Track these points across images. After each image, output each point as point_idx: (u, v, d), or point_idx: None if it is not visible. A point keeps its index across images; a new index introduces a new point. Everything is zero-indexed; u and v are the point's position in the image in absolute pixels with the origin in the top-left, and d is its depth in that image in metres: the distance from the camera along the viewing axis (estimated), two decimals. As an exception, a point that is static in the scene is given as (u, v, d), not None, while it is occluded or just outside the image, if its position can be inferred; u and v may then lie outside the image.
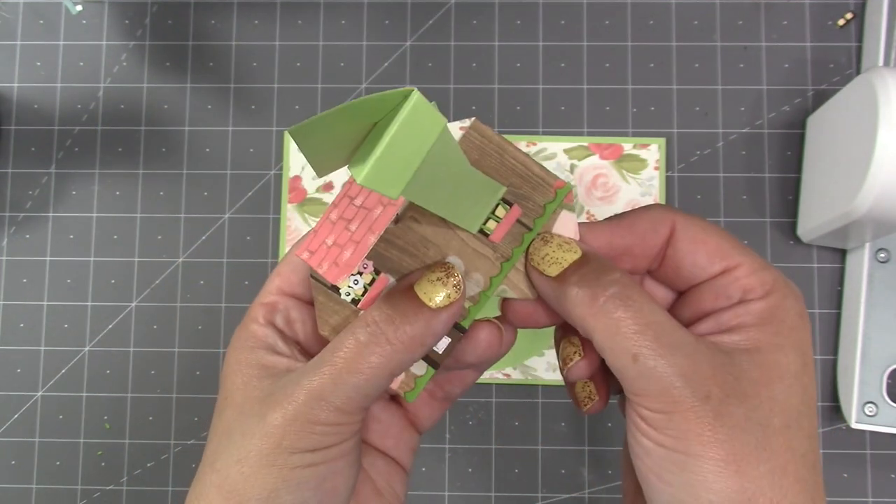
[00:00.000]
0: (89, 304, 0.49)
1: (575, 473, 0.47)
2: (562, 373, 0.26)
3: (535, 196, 0.25)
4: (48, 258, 0.50)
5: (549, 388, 0.48)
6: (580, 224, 0.26)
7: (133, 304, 0.49)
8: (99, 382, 0.49)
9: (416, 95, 0.20)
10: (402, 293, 0.24)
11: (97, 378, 0.49)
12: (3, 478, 0.48)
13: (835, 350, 0.48)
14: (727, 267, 0.24)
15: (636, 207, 0.26)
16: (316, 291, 0.26)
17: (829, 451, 0.47)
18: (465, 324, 0.26)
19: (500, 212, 0.25)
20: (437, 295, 0.24)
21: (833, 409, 0.47)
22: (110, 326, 0.49)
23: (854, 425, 0.44)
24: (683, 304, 0.26)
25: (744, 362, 0.22)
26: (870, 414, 0.44)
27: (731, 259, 0.24)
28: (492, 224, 0.25)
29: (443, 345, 0.26)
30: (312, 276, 0.26)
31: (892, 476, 0.47)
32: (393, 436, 0.29)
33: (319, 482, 0.23)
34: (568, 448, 0.47)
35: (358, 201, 0.25)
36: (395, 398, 0.29)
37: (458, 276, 0.24)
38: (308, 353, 0.26)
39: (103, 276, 0.50)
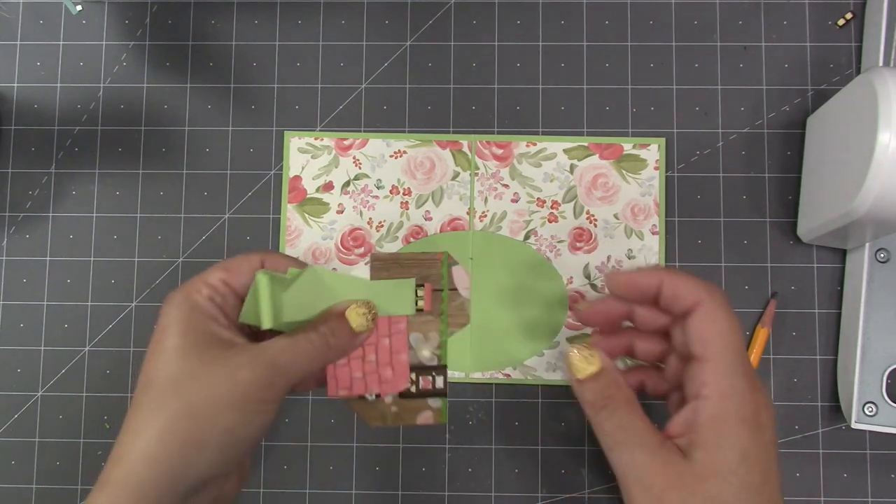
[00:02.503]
0: (89, 304, 0.49)
1: (575, 473, 0.47)
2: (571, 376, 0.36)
3: (432, 271, 0.39)
4: (48, 258, 0.50)
5: (549, 388, 0.48)
6: (597, 301, 0.38)
7: (133, 304, 0.49)
8: (99, 382, 0.49)
9: (260, 277, 0.35)
10: (338, 332, 0.36)
11: (97, 378, 0.49)
12: (3, 478, 0.48)
13: (835, 350, 0.48)
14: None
15: (644, 269, 0.37)
16: (350, 402, 0.39)
17: (829, 451, 0.47)
18: (445, 361, 0.39)
19: (420, 292, 0.39)
20: (360, 325, 0.36)
21: (833, 409, 0.47)
22: (110, 326, 0.49)
23: (854, 425, 0.44)
24: (679, 330, 0.35)
25: (696, 459, 0.30)
26: (870, 414, 0.44)
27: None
28: (420, 303, 0.39)
29: (440, 382, 0.39)
30: (348, 401, 0.39)
31: (892, 476, 0.47)
32: None
33: (258, 424, 0.32)
34: (568, 448, 0.47)
35: (357, 353, 0.38)
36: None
37: (374, 311, 0.37)
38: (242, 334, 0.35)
39: (103, 276, 0.50)
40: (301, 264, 0.37)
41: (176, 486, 0.30)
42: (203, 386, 0.31)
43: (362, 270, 0.39)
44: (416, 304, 0.39)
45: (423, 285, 0.39)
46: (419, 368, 0.39)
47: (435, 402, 0.39)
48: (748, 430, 0.30)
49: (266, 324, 0.34)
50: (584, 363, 0.34)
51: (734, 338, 0.32)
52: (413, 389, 0.39)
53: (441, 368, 0.39)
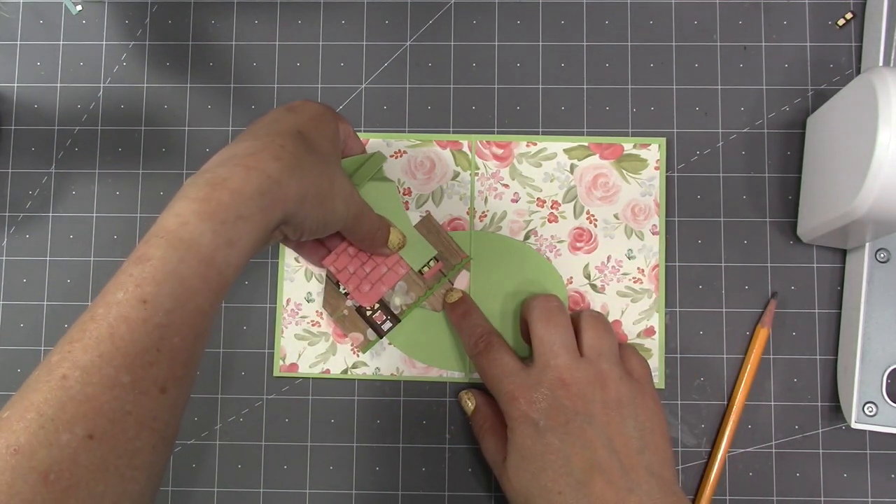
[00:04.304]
0: (89, 304, 0.49)
1: (575, 473, 0.47)
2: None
3: (451, 259, 0.48)
4: (48, 258, 0.50)
5: (549, 388, 0.48)
6: None
7: (133, 304, 0.49)
8: (99, 382, 0.49)
9: (378, 155, 0.45)
10: (384, 230, 0.44)
11: (97, 378, 0.49)
12: (3, 478, 0.48)
13: (835, 350, 0.48)
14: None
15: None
16: (328, 281, 0.48)
17: (829, 451, 0.47)
18: (402, 317, 0.47)
19: (432, 263, 0.47)
20: (393, 243, 0.45)
21: (833, 409, 0.47)
22: (110, 326, 0.49)
23: (854, 425, 0.44)
24: None
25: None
26: (869, 414, 0.44)
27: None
28: (425, 270, 0.47)
29: (387, 326, 0.47)
30: (328, 276, 0.48)
31: (892, 476, 0.47)
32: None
33: (318, 223, 0.38)
34: (568, 448, 0.47)
35: (365, 257, 0.46)
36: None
37: (404, 242, 0.46)
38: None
39: (103, 276, 0.50)
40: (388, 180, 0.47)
41: (280, 201, 0.34)
42: (335, 165, 0.39)
43: (415, 215, 0.48)
44: (423, 267, 0.47)
45: (438, 261, 0.47)
46: (383, 306, 0.47)
47: (371, 335, 0.47)
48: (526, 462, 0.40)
49: (356, 184, 0.44)
50: (466, 403, 0.46)
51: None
52: (368, 313, 0.47)
53: (395, 319, 0.47)
